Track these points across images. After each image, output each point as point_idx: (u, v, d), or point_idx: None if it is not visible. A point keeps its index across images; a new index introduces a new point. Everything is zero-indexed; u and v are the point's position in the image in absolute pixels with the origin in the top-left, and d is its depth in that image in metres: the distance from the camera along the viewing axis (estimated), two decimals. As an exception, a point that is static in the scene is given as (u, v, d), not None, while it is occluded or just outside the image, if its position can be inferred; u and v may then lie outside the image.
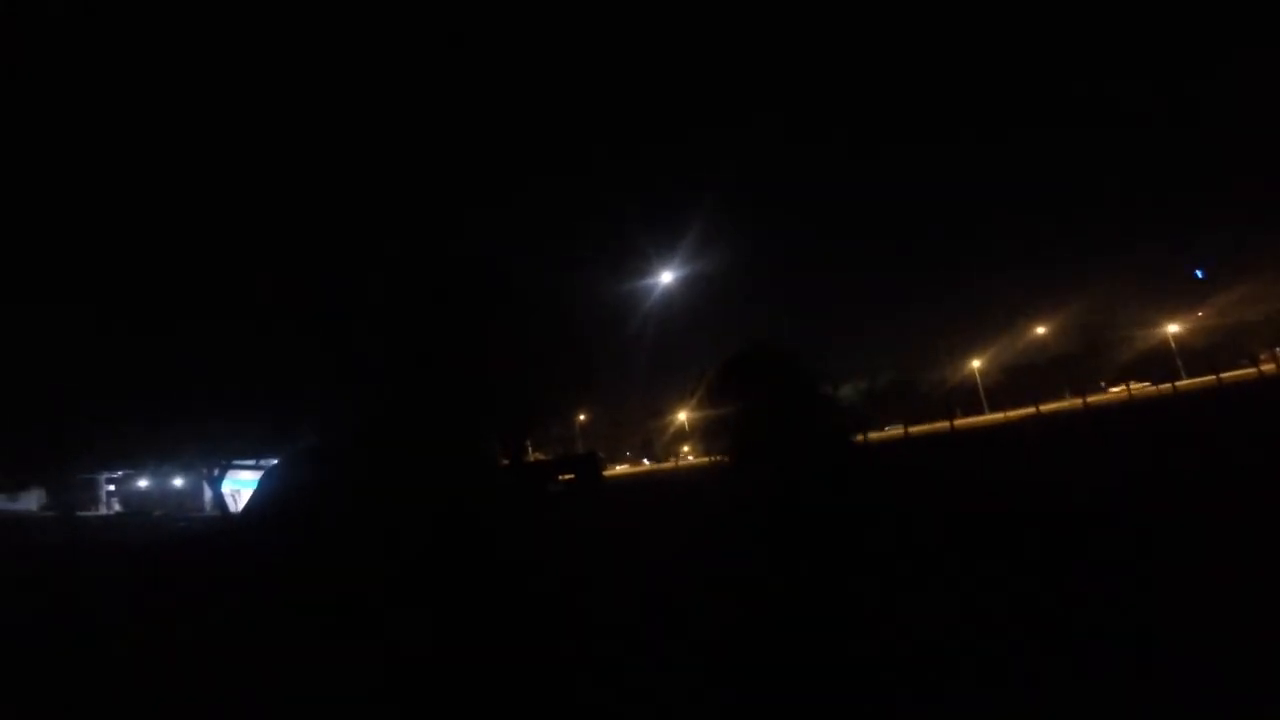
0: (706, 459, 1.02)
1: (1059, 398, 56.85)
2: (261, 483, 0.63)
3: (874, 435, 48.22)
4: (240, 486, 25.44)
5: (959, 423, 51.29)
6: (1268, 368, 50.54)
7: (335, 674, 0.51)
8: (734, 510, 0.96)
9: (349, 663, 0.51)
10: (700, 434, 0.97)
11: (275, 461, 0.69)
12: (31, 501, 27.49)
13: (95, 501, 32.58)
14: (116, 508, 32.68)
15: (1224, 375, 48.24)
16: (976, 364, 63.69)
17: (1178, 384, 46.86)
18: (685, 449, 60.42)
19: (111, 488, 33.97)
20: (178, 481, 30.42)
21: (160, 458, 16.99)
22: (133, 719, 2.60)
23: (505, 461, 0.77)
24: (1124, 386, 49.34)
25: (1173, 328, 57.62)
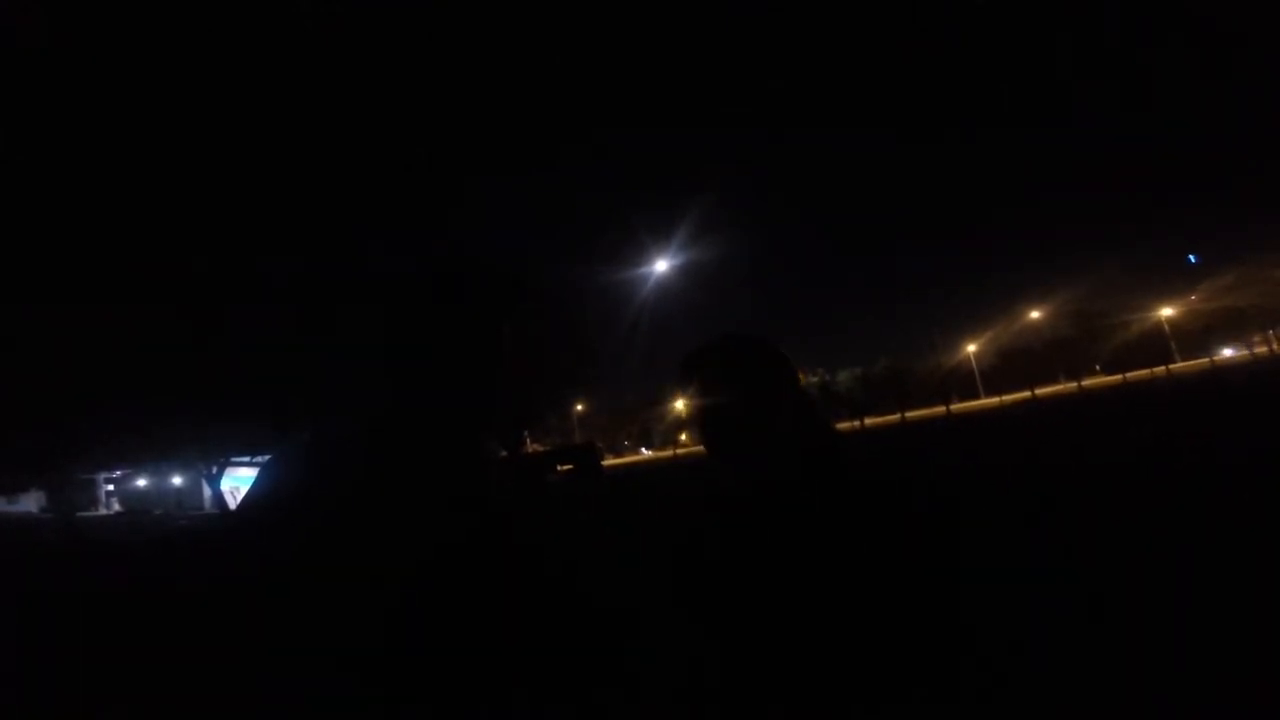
0: (702, 448, 0.99)
1: (1054, 381, 57.20)
2: (257, 478, 0.62)
3: (870, 421, 48.70)
4: (239, 484, 25.39)
5: (955, 407, 51.60)
6: (1260, 350, 50.88)
7: (334, 667, 0.51)
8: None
9: (347, 656, 0.51)
10: (689, 424, 0.93)
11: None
12: (31, 503, 27.45)
13: (95, 501, 32.56)
14: (116, 507, 32.65)
15: (1216, 359, 48.54)
16: (972, 349, 63.91)
17: (1171, 367, 47.05)
18: (683, 437, 60.61)
19: (110, 487, 33.92)
20: (176, 480, 30.35)
21: (159, 457, 16.95)
22: (137, 718, 2.62)
23: (504, 454, 0.77)
24: (1120, 375, 49.46)
25: (1167, 311, 57.80)
